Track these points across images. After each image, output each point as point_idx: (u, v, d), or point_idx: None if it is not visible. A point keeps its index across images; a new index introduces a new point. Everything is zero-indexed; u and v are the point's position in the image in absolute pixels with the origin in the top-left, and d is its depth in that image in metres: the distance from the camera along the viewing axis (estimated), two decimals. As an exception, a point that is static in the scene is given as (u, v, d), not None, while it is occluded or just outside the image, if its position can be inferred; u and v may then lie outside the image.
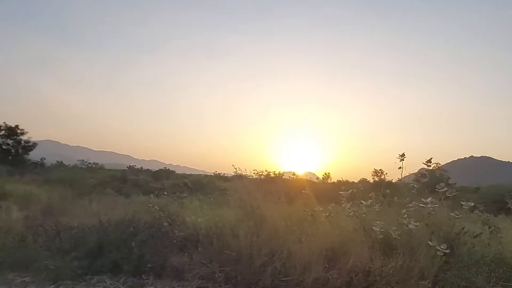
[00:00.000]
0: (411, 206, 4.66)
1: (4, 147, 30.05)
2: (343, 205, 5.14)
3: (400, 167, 4.90)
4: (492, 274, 3.95)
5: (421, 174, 5.11)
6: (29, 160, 33.95)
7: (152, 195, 9.57)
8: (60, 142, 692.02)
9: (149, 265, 4.58)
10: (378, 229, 4.35)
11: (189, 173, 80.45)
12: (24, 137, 31.50)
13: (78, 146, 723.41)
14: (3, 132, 29.95)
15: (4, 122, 30.04)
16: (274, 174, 21.36)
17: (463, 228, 4.48)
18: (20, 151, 31.04)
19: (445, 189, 4.52)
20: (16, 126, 30.75)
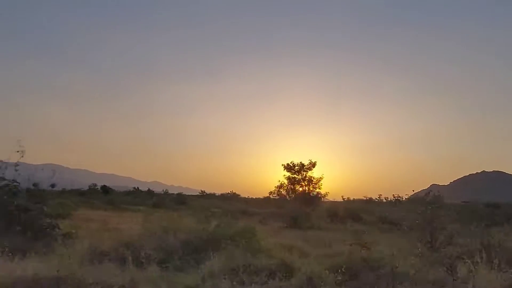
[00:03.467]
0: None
1: None
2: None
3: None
4: None
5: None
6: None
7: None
8: (61, 165, 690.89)
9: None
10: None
11: (194, 194, 78.24)
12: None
13: (79, 169, 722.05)
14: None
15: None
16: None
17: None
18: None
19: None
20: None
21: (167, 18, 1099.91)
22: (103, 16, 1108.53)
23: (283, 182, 30.13)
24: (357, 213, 26.45)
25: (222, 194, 72.90)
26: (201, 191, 75.03)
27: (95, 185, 66.16)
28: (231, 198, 66.51)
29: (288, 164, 30.58)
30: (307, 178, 29.95)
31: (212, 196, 70.10)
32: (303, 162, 30.02)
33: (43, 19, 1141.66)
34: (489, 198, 67.01)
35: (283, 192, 30.32)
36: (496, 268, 6.11)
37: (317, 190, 30.31)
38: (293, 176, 30.01)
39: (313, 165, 29.78)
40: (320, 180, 29.44)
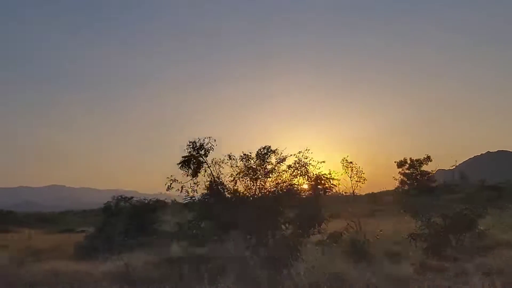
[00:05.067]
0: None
1: None
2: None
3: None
4: None
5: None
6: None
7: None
8: (65, 186, 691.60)
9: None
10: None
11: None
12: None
13: (83, 187, 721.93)
14: None
15: None
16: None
17: None
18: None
19: None
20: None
21: (160, 32, 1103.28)
22: (101, 37, 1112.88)
23: (401, 178, 31.13)
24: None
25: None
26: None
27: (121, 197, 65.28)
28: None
29: (400, 160, 31.58)
30: (420, 173, 31.36)
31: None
32: (417, 158, 31.47)
33: (41, 43, 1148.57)
34: (496, 179, 65.42)
35: (406, 187, 31.37)
36: None
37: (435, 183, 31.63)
38: (409, 171, 31.24)
39: (427, 158, 31.17)
40: (433, 173, 30.75)
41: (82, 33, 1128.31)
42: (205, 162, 10.34)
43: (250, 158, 10.14)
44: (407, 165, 34.82)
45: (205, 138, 10.38)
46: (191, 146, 10.38)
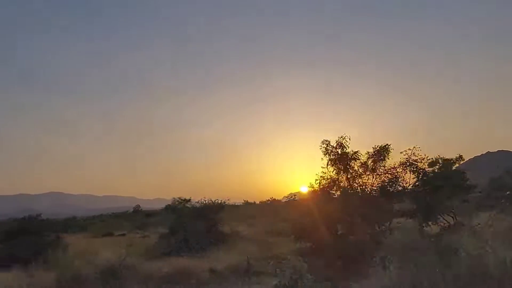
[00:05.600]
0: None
1: None
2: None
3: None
4: None
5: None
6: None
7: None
8: (63, 192, 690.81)
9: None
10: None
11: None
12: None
13: (82, 194, 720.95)
14: None
15: None
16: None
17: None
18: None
19: None
20: None
21: (156, 35, 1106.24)
22: (100, 43, 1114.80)
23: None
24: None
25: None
26: (244, 200, 70.64)
27: (139, 206, 66.06)
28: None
29: (432, 160, 33.46)
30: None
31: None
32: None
33: (40, 49, 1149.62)
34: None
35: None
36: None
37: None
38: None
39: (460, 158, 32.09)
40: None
41: (81, 38, 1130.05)
42: (354, 158, 11.44)
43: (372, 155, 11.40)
44: (439, 165, 34.24)
45: (342, 136, 11.54)
46: (338, 145, 11.44)
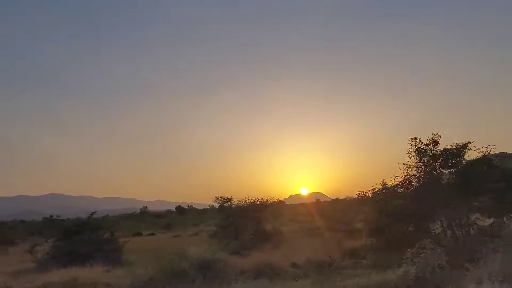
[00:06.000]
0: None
1: None
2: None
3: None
4: None
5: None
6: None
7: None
8: (63, 194, 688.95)
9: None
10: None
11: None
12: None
13: (82, 195, 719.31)
14: None
15: None
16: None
17: None
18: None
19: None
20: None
21: (158, 37, 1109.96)
22: (100, 43, 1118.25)
23: None
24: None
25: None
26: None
27: (146, 208, 66.81)
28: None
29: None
30: None
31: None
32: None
33: (40, 50, 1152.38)
34: None
35: None
36: None
37: None
38: None
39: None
40: None
41: (81, 38, 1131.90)
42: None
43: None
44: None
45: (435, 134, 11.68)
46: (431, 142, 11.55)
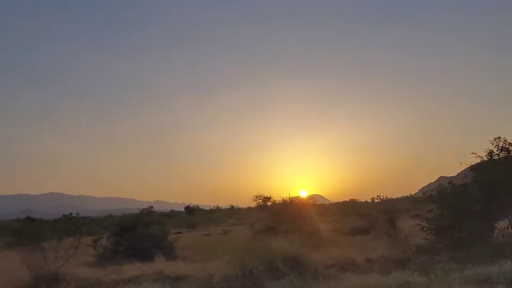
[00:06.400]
0: None
1: None
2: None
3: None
4: None
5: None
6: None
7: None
8: (63, 193, 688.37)
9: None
10: None
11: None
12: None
13: (82, 195, 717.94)
14: None
15: None
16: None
17: None
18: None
19: None
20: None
21: (158, 38, 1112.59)
22: (100, 43, 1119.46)
23: None
24: None
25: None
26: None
27: (151, 207, 67.00)
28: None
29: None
30: None
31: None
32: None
33: (40, 50, 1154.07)
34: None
35: None
36: None
37: None
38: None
39: None
40: None
41: (81, 38, 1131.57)
42: None
43: None
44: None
45: None
46: None
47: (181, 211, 73.23)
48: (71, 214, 12.60)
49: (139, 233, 14.57)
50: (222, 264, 10.28)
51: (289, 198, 20.12)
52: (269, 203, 21.00)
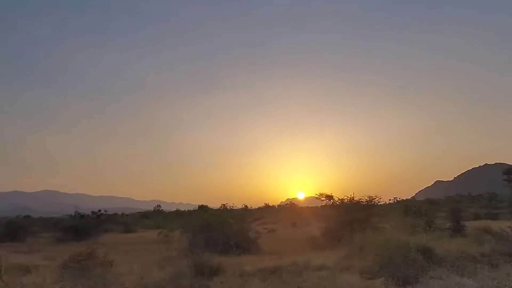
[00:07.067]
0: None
1: None
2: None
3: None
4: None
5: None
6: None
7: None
8: (58, 191, 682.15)
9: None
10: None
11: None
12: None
13: (77, 193, 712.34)
14: None
15: None
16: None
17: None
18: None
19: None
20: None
21: (157, 37, 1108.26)
22: (97, 42, 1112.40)
23: None
24: None
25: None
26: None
27: (159, 206, 66.25)
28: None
29: None
30: None
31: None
32: None
33: (38, 49, 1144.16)
34: (494, 190, 67.70)
35: None
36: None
37: None
38: None
39: None
40: None
41: (80, 38, 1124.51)
42: None
43: None
44: None
45: None
46: None
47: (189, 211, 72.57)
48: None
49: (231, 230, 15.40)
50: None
51: (353, 197, 19.82)
52: (335, 202, 20.63)
